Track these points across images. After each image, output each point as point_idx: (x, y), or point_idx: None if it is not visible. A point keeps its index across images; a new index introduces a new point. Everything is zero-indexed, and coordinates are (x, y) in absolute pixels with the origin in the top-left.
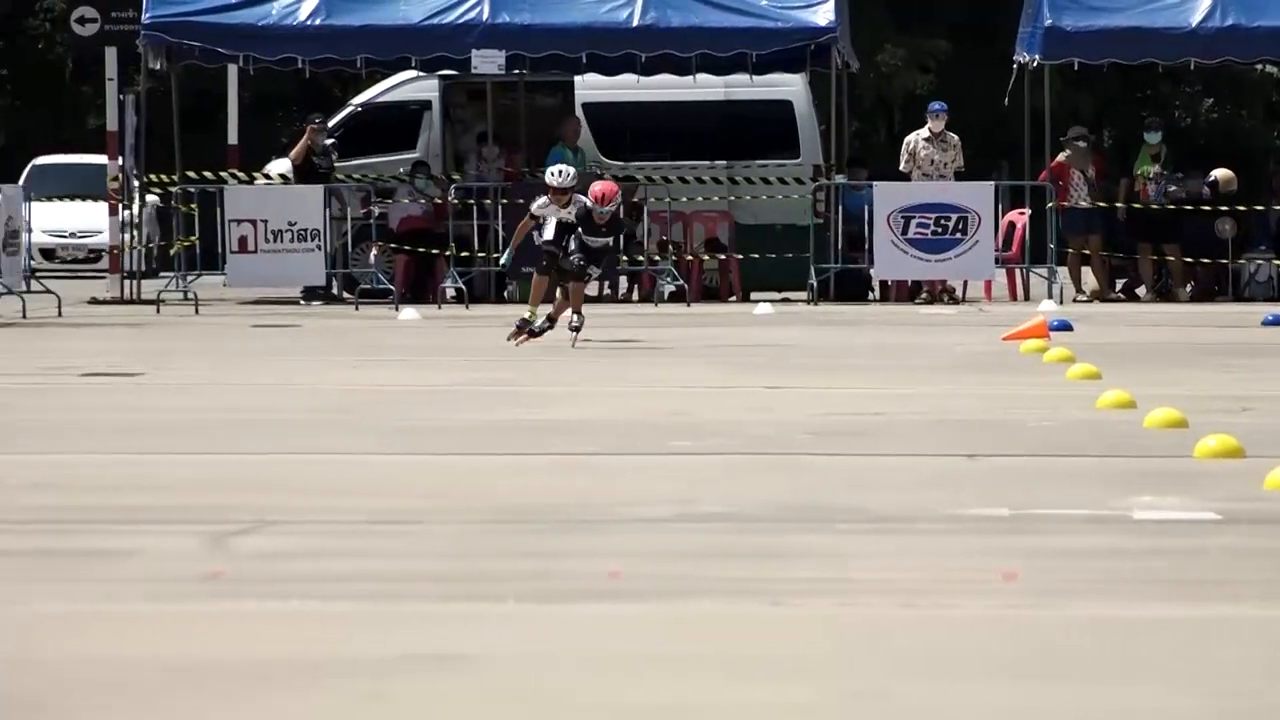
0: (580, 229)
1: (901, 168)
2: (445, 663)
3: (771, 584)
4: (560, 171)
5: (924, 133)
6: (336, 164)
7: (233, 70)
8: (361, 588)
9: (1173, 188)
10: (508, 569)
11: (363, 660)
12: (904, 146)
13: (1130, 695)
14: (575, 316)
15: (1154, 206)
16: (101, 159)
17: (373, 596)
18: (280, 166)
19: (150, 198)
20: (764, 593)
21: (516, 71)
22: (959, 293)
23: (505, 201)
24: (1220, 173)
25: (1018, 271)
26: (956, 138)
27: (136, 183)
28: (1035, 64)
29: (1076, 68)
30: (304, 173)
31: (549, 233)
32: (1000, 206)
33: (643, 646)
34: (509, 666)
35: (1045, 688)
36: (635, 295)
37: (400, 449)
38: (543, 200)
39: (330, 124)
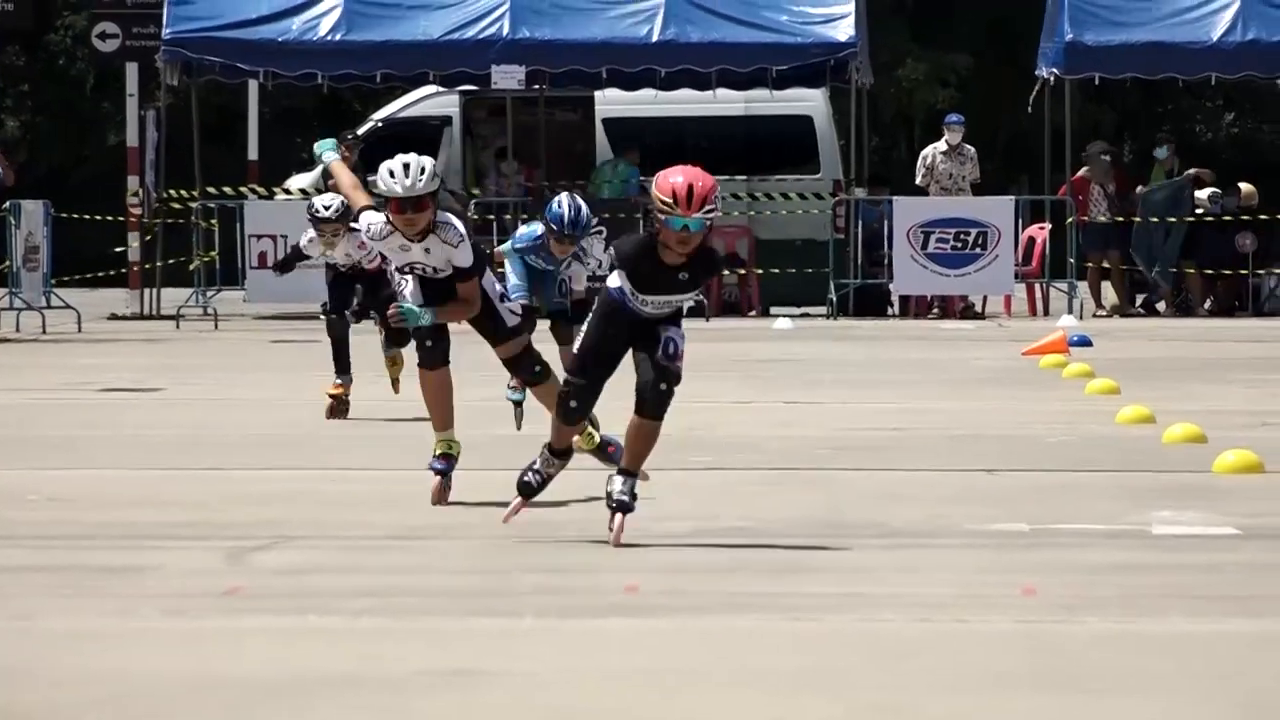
0: (628, 280)
1: (918, 181)
2: (463, 678)
3: (791, 599)
4: (407, 167)
5: (941, 145)
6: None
7: (253, 86)
8: (380, 603)
9: (1212, 204)
10: (526, 584)
11: (381, 676)
12: (920, 160)
13: (1149, 709)
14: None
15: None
16: None
17: (391, 612)
18: (301, 181)
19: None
20: (783, 608)
21: (536, 86)
22: (979, 307)
23: (525, 216)
24: (1242, 187)
25: (1037, 286)
26: (973, 149)
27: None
28: (1056, 79)
29: (1097, 82)
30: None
31: (409, 291)
32: (1020, 221)
33: (661, 662)
34: (527, 682)
35: (1065, 700)
36: None
37: (419, 464)
38: (379, 222)
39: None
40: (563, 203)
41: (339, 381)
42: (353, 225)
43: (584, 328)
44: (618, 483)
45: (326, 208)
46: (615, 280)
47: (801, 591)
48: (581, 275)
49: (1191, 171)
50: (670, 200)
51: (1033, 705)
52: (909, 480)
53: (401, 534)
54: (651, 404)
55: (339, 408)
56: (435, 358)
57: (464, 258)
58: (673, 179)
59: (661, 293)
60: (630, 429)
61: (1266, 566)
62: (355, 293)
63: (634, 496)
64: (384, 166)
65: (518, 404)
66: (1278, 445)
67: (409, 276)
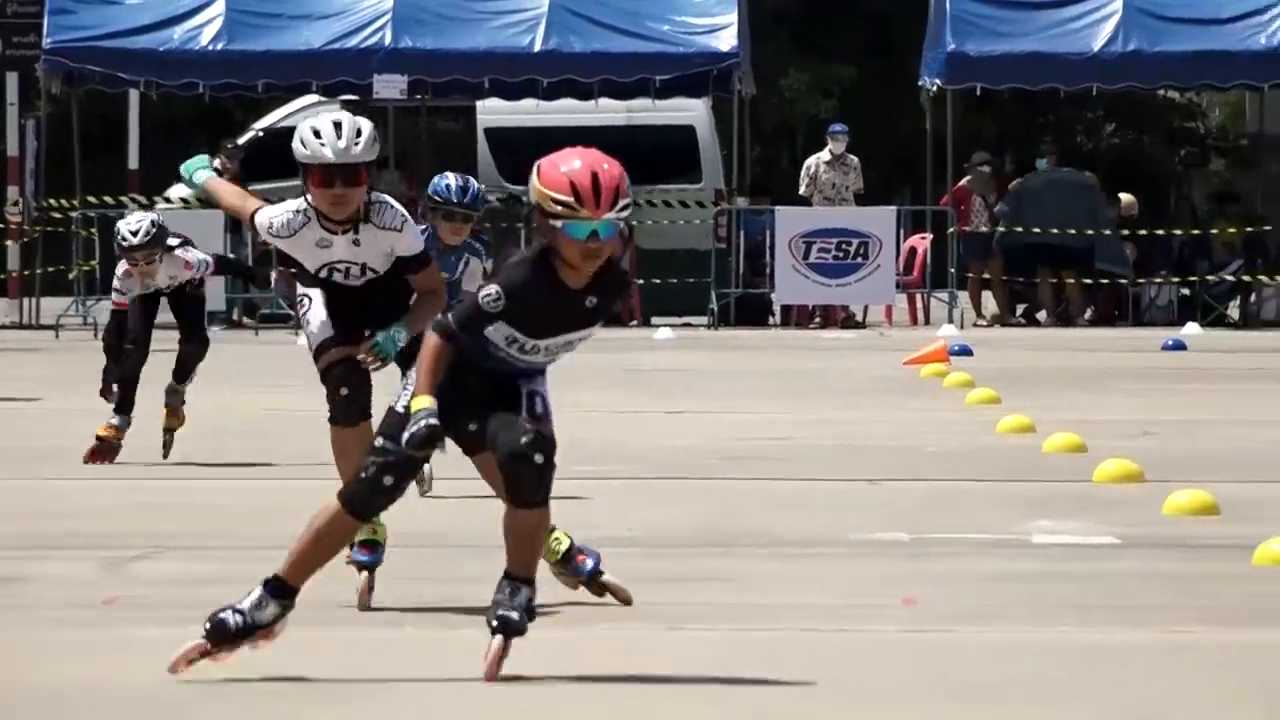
0: (511, 322)
1: (802, 191)
2: (344, 689)
3: (672, 608)
4: (339, 126)
5: (824, 155)
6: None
7: (134, 95)
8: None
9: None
10: (407, 594)
11: (267, 686)
12: (804, 170)
13: (1028, 717)
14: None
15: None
16: None
17: None
18: (183, 190)
19: None
20: (664, 617)
21: (418, 96)
22: (860, 317)
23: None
24: (1122, 197)
25: (918, 296)
26: (856, 159)
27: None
28: (938, 89)
29: (979, 93)
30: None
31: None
32: (902, 231)
33: (541, 672)
34: (408, 692)
35: (942, 709)
36: None
37: (301, 474)
38: (284, 214)
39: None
40: (447, 175)
41: (115, 423)
42: (171, 246)
43: (405, 384)
44: (506, 592)
45: (134, 233)
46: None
47: (683, 601)
48: (478, 273)
49: (1092, 176)
50: (569, 199)
51: (911, 713)
52: (791, 490)
53: (283, 544)
54: (527, 485)
55: (106, 450)
56: (353, 411)
57: (413, 242)
58: (567, 167)
59: (564, 330)
60: (506, 524)
61: (1146, 576)
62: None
63: (530, 613)
64: (306, 125)
65: None
66: (1157, 455)
67: (315, 297)
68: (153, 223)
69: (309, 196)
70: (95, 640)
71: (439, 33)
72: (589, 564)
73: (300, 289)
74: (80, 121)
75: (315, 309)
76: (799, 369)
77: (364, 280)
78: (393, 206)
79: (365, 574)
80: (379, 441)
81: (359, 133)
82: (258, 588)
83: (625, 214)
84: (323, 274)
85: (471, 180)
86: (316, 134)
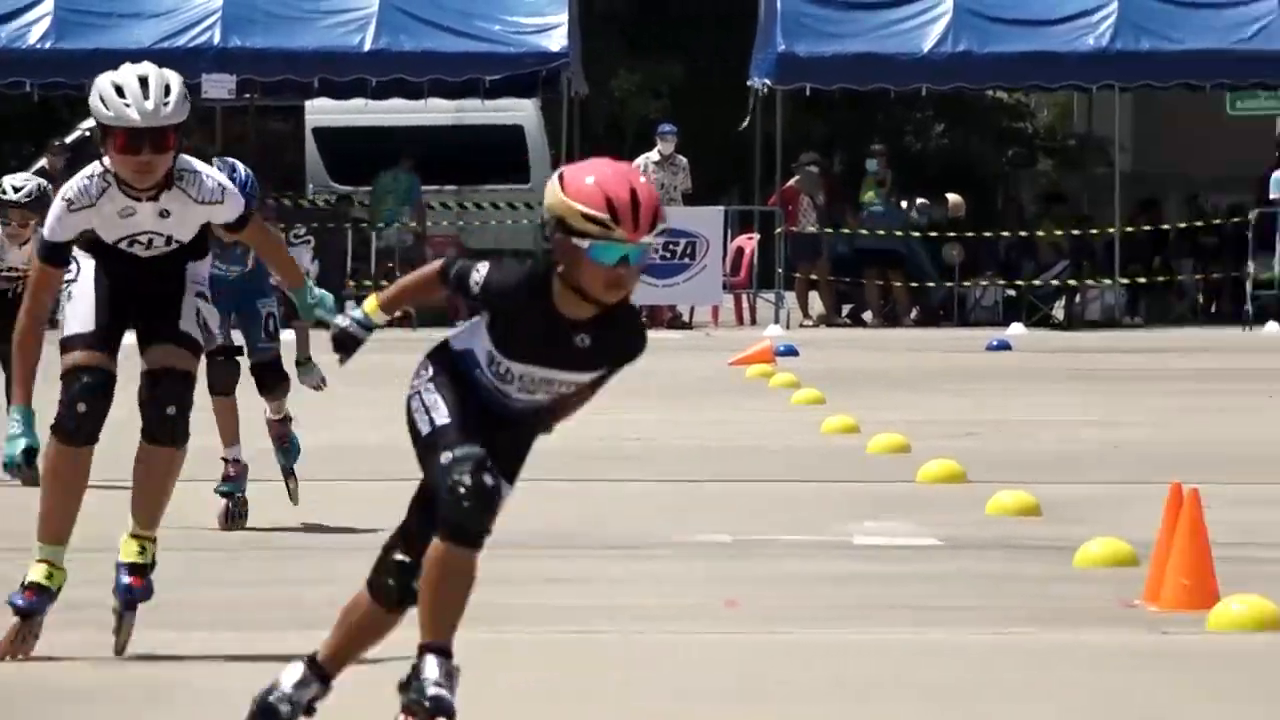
0: (493, 334)
1: None
2: (177, 690)
3: (495, 611)
4: (145, 82)
5: (653, 155)
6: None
7: None
8: (99, 615)
9: (914, 214)
10: (250, 598)
11: (105, 686)
12: None
13: (845, 717)
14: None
15: (880, 232)
16: None
17: (93, 624)
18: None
19: None
20: (487, 620)
21: (247, 95)
22: (686, 317)
23: None
24: (949, 197)
25: (745, 296)
26: (685, 160)
27: None
28: (768, 89)
29: (809, 93)
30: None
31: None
32: (729, 231)
33: (369, 676)
34: (240, 698)
35: (760, 710)
36: None
37: (122, 477)
38: (79, 183)
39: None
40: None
41: None
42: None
43: (419, 404)
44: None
45: (17, 189)
46: (463, 336)
47: (507, 603)
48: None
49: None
50: (604, 215)
51: (728, 713)
52: (615, 491)
53: (99, 546)
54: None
55: None
56: (83, 431)
57: (234, 208)
58: (598, 178)
59: (541, 362)
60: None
61: (967, 576)
62: None
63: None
64: (106, 80)
65: (229, 495)
66: (981, 455)
67: (86, 269)
68: (40, 187)
69: (107, 160)
70: None
71: (268, 31)
72: (125, 594)
73: (76, 250)
74: None
75: (83, 286)
76: (624, 369)
77: (158, 252)
78: (205, 176)
79: (18, 620)
80: (449, 455)
81: (168, 90)
82: (452, 665)
83: (660, 240)
84: (122, 244)
85: (239, 165)
86: (120, 91)
